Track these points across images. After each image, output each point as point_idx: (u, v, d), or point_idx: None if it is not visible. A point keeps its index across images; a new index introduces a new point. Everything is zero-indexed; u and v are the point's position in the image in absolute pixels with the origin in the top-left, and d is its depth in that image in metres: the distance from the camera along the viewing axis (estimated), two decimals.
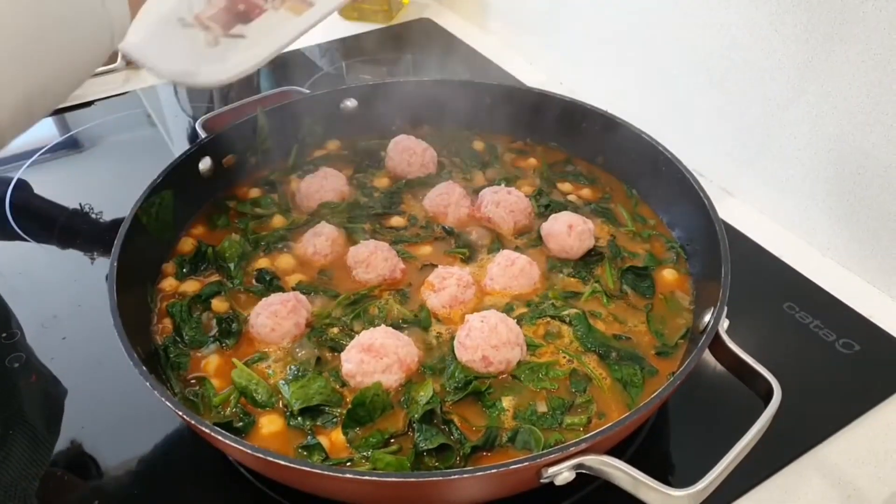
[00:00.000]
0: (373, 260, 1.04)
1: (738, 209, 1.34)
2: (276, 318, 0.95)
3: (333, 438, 0.85)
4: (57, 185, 1.48)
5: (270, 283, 1.05)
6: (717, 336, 0.84)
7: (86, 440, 0.96)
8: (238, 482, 0.91)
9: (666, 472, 0.91)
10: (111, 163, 1.57)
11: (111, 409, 1.00)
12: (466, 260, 1.09)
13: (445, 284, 1.00)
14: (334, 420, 0.87)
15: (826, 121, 1.15)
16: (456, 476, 0.70)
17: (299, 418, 0.87)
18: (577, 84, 1.68)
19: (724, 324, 0.86)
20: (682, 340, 0.96)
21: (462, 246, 1.11)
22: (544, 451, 0.72)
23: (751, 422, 0.76)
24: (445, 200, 1.16)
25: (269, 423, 0.87)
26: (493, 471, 0.70)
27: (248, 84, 1.83)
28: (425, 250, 1.11)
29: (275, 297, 0.97)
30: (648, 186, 1.19)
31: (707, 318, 0.89)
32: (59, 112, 1.70)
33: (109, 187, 1.46)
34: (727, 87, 1.30)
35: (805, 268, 1.19)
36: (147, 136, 1.64)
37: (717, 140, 1.36)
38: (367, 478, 0.70)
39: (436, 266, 1.06)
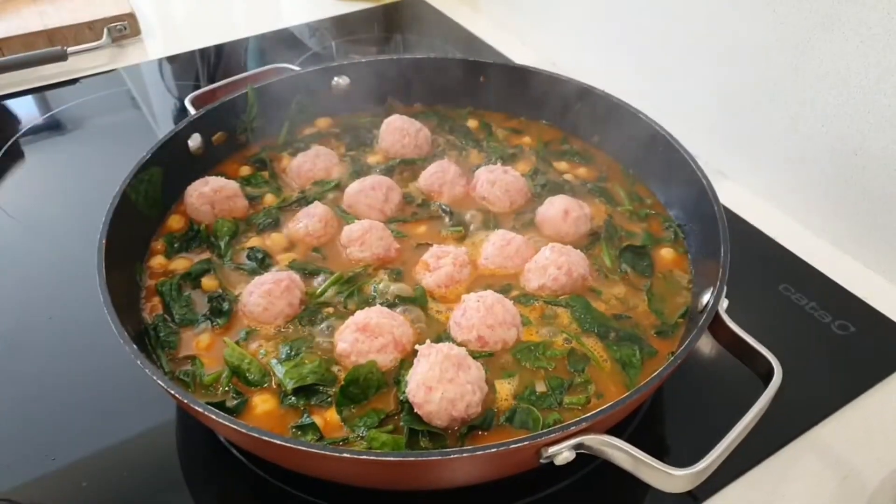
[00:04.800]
0: (367, 238, 1.02)
1: (732, 191, 1.33)
2: (269, 297, 0.93)
3: (328, 417, 0.83)
4: (39, 169, 1.44)
5: (262, 262, 1.03)
6: (717, 316, 0.84)
7: (70, 424, 0.94)
8: (230, 464, 0.89)
9: (662, 453, 0.91)
10: (94, 146, 1.52)
11: (97, 391, 0.98)
12: (461, 239, 1.08)
13: (441, 264, 0.99)
14: (329, 399, 0.85)
15: (823, 101, 1.14)
16: (455, 455, 0.69)
17: (293, 398, 0.85)
18: (570, 64, 1.66)
19: (724, 303, 0.85)
20: (681, 319, 0.95)
21: (457, 225, 1.09)
22: (544, 430, 0.71)
23: (746, 402, 0.76)
24: (440, 179, 1.14)
25: (263, 403, 0.85)
26: (493, 450, 0.69)
27: (235, 63, 1.80)
28: (420, 229, 1.09)
29: (268, 276, 0.95)
30: (645, 166, 1.18)
31: (706, 297, 0.89)
32: (40, 90, 1.66)
33: (92, 172, 1.41)
34: (723, 68, 1.29)
35: (800, 249, 1.19)
36: (131, 118, 1.59)
37: (712, 121, 1.35)
38: (365, 457, 0.69)
39: (431, 245, 1.04)
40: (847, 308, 1.09)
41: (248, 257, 1.04)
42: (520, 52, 1.76)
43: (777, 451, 0.92)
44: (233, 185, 1.11)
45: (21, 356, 1.04)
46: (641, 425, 0.93)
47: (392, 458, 0.70)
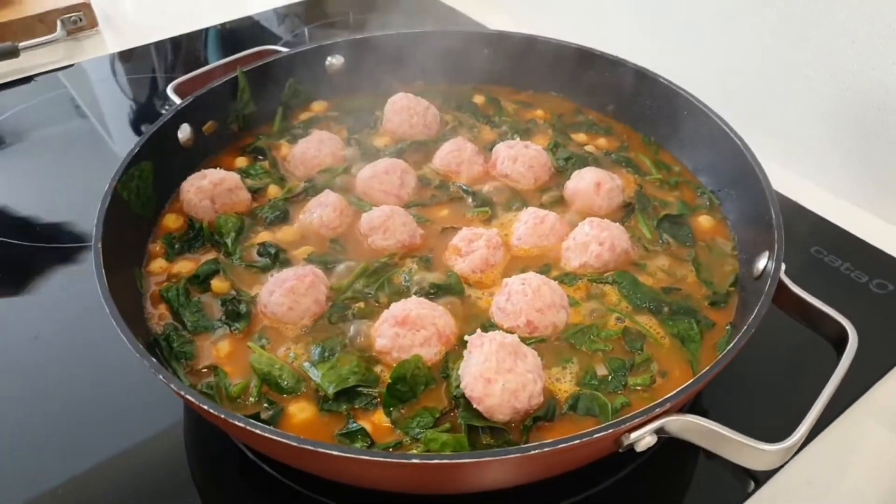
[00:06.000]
0: (391, 225, 0.94)
1: None
2: (293, 294, 0.85)
3: (376, 421, 0.76)
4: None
5: (276, 258, 0.94)
6: (780, 281, 0.79)
7: (77, 442, 0.85)
8: (244, 467, 0.82)
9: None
10: (40, 161, 1.35)
11: (101, 407, 0.90)
12: (488, 220, 1.01)
13: (474, 247, 0.92)
14: (374, 401, 0.78)
15: (843, 56, 1.11)
16: (535, 451, 0.63)
17: (333, 402, 0.77)
18: (564, 36, 1.60)
19: (782, 267, 0.81)
20: (732, 288, 0.90)
21: (481, 205, 1.02)
22: (628, 416, 0.65)
23: (801, 369, 0.76)
24: (457, 158, 1.07)
25: (300, 412, 0.77)
26: (575, 441, 0.63)
27: (193, 59, 1.68)
28: (442, 213, 1.02)
29: (289, 272, 0.87)
30: (667, 133, 1.12)
31: (763, 263, 0.84)
32: None
33: (38, 191, 1.28)
34: (736, 23, 1.24)
35: (826, 211, 1.16)
36: (80, 127, 1.43)
37: (727, 85, 1.29)
38: (442, 461, 0.62)
39: (457, 229, 0.97)
40: (882, 267, 1.06)
41: (260, 253, 0.95)
42: (512, 28, 1.68)
43: (835, 420, 0.88)
44: (233, 177, 1.02)
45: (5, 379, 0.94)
46: (697, 402, 0.88)
47: (469, 460, 0.63)
